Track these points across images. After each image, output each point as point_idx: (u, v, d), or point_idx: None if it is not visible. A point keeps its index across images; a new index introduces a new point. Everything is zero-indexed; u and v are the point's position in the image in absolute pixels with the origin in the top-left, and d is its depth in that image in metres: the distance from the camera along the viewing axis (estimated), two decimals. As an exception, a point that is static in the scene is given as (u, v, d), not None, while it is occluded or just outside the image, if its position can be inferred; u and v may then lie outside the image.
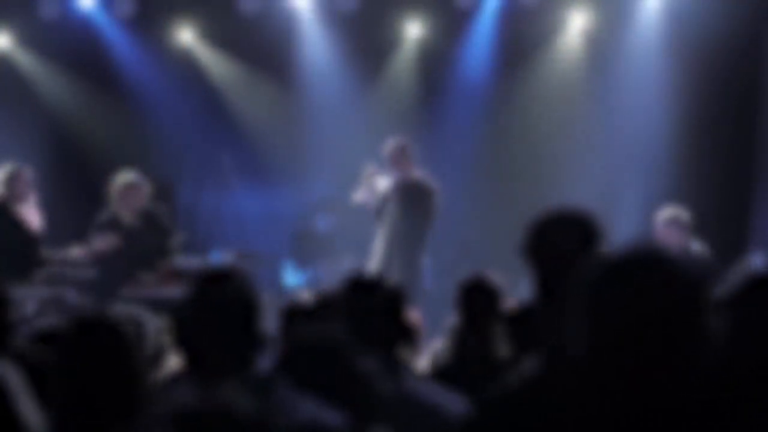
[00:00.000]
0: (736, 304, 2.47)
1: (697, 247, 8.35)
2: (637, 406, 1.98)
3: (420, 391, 3.15)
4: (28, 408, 2.72)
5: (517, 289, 9.19)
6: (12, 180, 8.77)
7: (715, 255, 8.31)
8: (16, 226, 8.71)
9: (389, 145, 9.22)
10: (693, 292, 2.02)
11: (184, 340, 3.24)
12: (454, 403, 3.16)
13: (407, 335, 3.24)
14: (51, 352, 2.94)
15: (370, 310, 3.25)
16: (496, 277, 5.18)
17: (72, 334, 2.86)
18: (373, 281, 3.28)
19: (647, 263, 2.03)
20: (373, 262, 9.24)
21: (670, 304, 2.00)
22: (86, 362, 2.83)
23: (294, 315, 3.80)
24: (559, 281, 2.91)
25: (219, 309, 3.23)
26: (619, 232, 9.30)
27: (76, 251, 8.81)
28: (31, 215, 8.89)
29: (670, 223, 8.40)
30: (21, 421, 2.75)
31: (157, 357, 3.60)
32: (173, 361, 3.89)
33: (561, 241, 3.01)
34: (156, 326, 3.57)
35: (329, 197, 11.05)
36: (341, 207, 10.57)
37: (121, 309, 3.44)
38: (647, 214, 9.04)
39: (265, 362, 3.29)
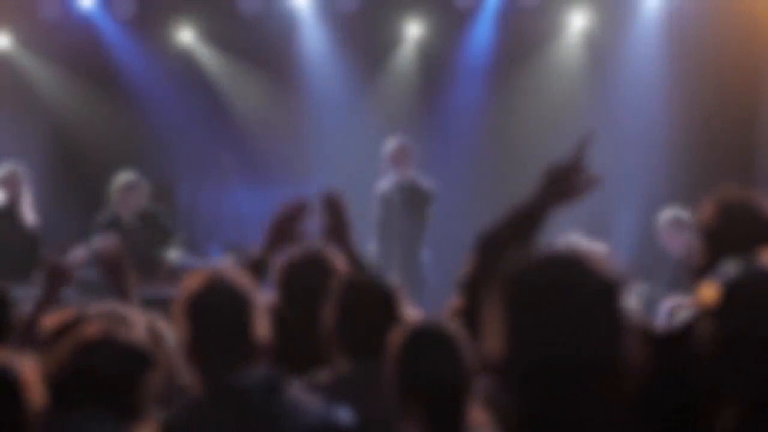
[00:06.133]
0: None
1: None
2: (553, 407, 1.98)
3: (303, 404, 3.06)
4: (35, 403, 2.72)
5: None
6: (7, 179, 8.77)
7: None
8: (17, 226, 8.71)
9: (389, 144, 9.24)
10: (608, 291, 2.02)
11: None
12: (342, 416, 3.09)
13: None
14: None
15: (363, 311, 3.22)
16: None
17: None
18: (367, 281, 3.26)
19: (565, 262, 2.04)
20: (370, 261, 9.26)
21: (587, 302, 2.00)
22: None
23: None
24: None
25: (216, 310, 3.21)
26: (619, 232, 9.30)
27: (77, 254, 8.79)
28: (27, 214, 8.88)
29: (673, 225, 8.38)
30: (26, 416, 2.75)
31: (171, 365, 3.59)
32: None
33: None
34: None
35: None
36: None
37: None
38: (647, 214, 9.02)
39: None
